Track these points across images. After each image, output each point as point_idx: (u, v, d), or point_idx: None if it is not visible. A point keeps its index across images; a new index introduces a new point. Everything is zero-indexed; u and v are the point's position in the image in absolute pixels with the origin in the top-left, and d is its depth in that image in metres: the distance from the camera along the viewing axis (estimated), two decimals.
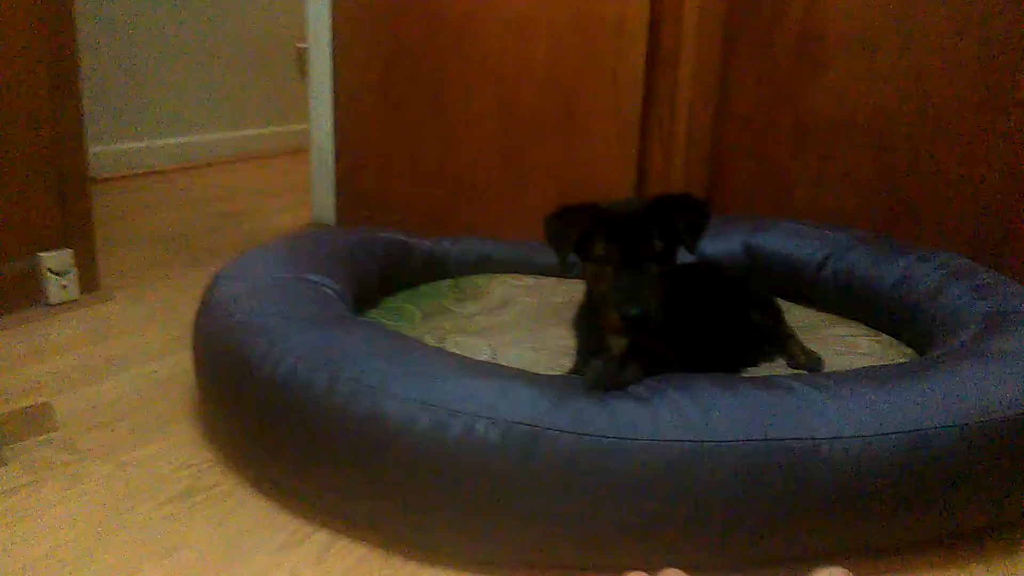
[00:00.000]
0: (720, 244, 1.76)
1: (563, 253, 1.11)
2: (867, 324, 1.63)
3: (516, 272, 1.90)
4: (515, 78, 2.14)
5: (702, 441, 0.93)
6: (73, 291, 1.81)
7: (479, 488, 0.94)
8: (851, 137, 1.92)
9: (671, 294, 1.11)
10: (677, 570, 0.52)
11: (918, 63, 1.83)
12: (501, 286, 1.83)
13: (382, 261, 1.67)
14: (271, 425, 1.07)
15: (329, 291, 1.32)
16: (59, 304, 1.78)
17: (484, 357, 1.42)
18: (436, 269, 1.84)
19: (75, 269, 1.81)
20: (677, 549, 0.96)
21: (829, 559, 0.97)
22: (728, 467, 0.93)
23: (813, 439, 0.94)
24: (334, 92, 2.45)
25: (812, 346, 1.47)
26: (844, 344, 1.54)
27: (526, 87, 2.13)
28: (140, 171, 3.22)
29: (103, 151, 2.98)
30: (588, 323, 1.23)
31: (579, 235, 1.10)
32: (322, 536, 1.03)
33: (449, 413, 0.95)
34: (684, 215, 1.11)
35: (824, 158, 1.96)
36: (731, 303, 1.44)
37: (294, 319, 1.15)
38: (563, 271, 1.07)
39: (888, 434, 0.96)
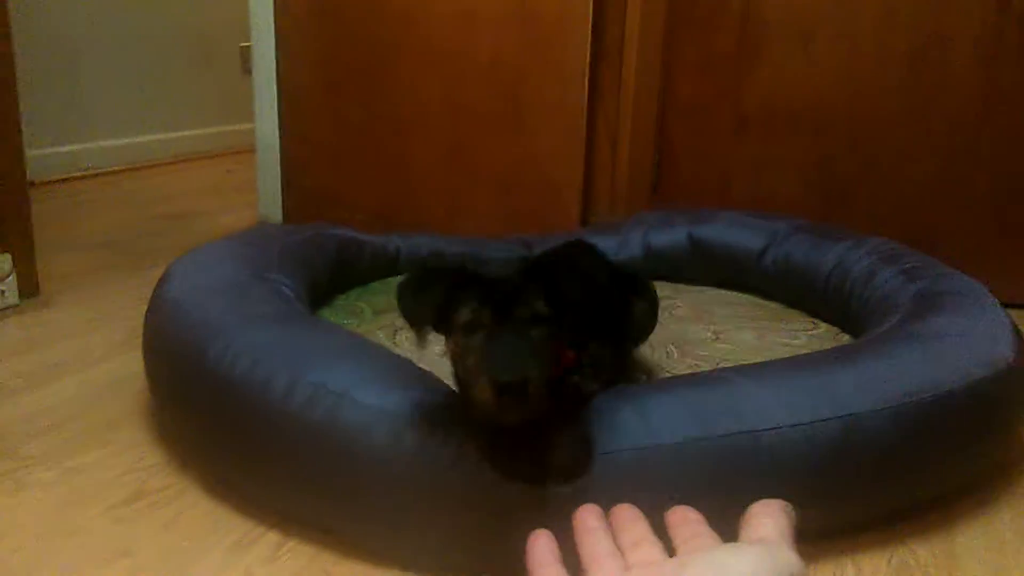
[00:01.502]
0: (665, 236, 1.79)
1: (420, 325, 0.89)
2: (807, 312, 1.68)
3: None
4: (460, 72, 2.15)
5: (645, 446, 0.94)
6: (12, 297, 1.77)
7: (434, 499, 0.94)
8: (789, 126, 1.97)
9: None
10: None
11: (852, 51, 1.88)
12: None
13: (334, 258, 1.66)
14: (225, 425, 1.06)
15: (285, 289, 1.31)
16: None
17: (436, 354, 1.43)
18: (387, 266, 1.84)
19: (14, 274, 1.77)
20: None
21: None
22: (674, 469, 0.94)
23: (753, 431, 0.97)
24: (279, 89, 2.43)
25: (750, 336, 1.50)
26: (783, 333, 1.58)
27: (471, 81, 2.14)
28: (80, 174, 3.14)
29: (41, 154, 2.90)
30: None
31: (441, 300, 0.88)
32: (274, 536, 1.03)
33: (407, 423, 0.95)
34: (566, 281, 0.90)
35: (763, 147, 2.01)
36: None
37: (250, 317, 1.14)
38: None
39: (825, 420, 0.99)
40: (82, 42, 3.14)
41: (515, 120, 2.12)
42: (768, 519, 0.47)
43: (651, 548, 0.50)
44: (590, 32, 2.00)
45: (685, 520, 0.51)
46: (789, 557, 0.44)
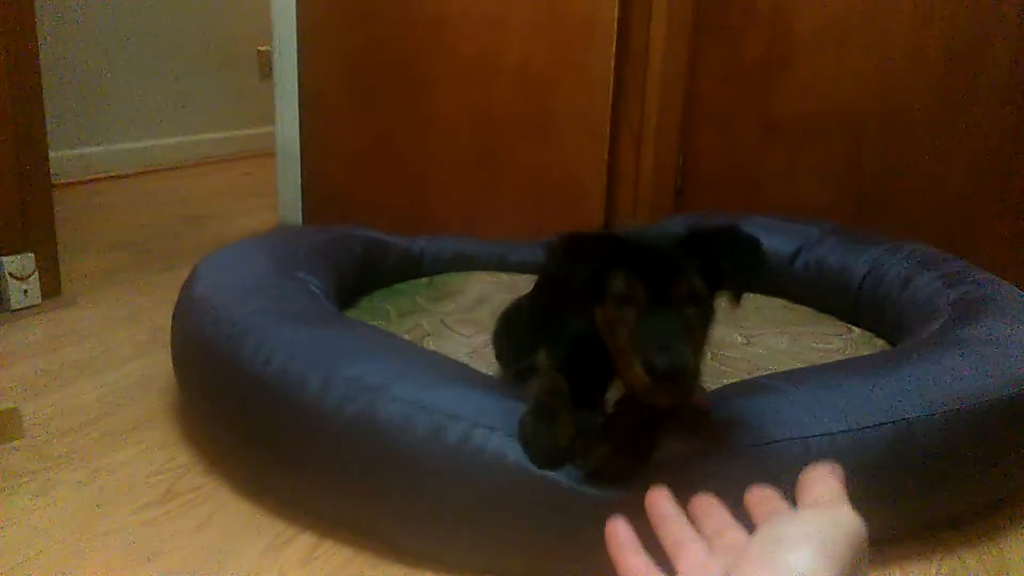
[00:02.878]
0: None
1: (577, 283, 0.87)
2: (839, 317, 1.65)
3: (491, 270, 1.90)
4: (487, 77, 2.13)
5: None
6: (35, 296, 1.76)
7: (474, 497, 0.92)
8: (820, 131, 1.95)
9: None
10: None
11: (885, 56, 1.86)
12: (477, 284, 1.82)
13: (360, 259, 1.65)
14: (258, 424, 1.05)
15: (314, 288, 1.30)
16: (21, 309, 1.73)
17: (463, 356, 1.41)
18: (411, 268, 1.82)
19: (37, 273, 1.76)
20: None
21: None
22: (728, 477, 0.91)
23: (803, 438, 0.95)
24: (300, 93, 2.42)
25: (782, 340, 1.48)
26: (817, 339, 1.55)
27: (498, 86, 2.13)
28: (100, 176, 3.14)
29: (63, 156, 2.90)
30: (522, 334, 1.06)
31: (596, 263, 0.86)
32: (309, 538, 1.01)
33: (447, 418, 0.93)
34: (730, 253, 0.86)
35: (793, 152, 1.99)
36: None
37: (281, 315, 1.13)
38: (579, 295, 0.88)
39: (875, 426, 0.97)
40: (105, 47, 3.14)
41: (541, 125, 2.11)
42: (821, 484, 0.45)
43: (736, 533, 0.48)
44: (615, 37, 1.98)
45: (762, 498, 0.49)
46: (850, 517, 0.43)
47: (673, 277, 0.82)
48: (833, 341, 1.54)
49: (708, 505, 0.51)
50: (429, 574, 0.96)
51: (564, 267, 0.89)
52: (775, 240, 1.74)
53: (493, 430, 0.92)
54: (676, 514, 0.50)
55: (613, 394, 0.95)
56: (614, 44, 1.98)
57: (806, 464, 0.90)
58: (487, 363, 1.35)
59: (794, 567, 0.38)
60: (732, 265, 0.85)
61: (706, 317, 0.85)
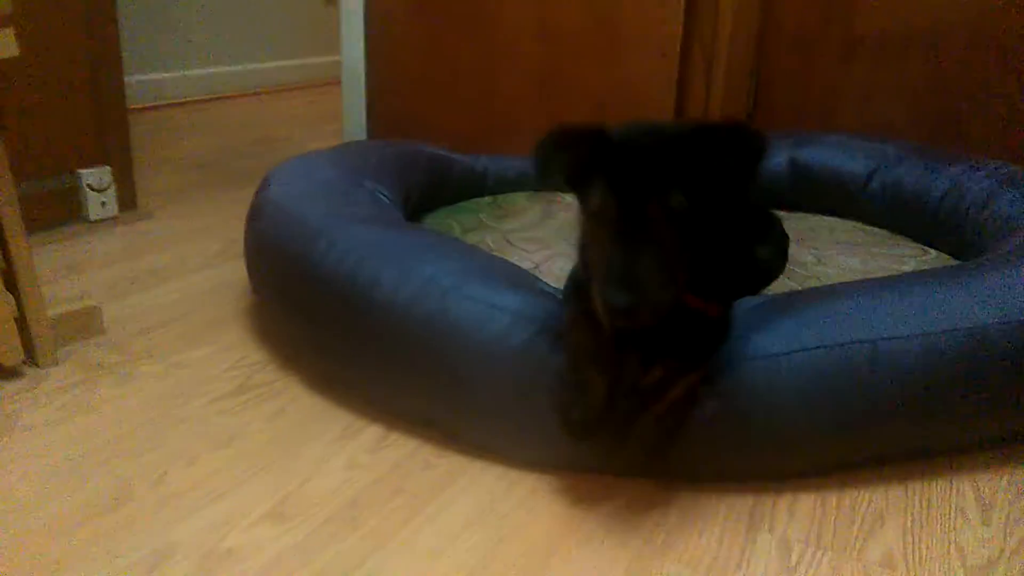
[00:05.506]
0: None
1: (545, 184, 0.87)
2: (915, 238, 1.60)
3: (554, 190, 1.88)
4: None
5: (770, 356, 0.91)
6: (112, 208, 1.82)
7: (538, 395, 0.93)
8: (902, 49, 1.86)
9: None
10: None
11: None
12: (540, 203, 1.81)
13: (426, 174, 1.65)
14: (331, 321, 1.07)
15: (383, 197, 1.31)
16: (99, 220, 1.79)
17: (528, 270, 1.41)
18: (475, 186, 1.82)
19: (113, 186, 1.81)
20: (745, 456, 0.95)
21: (890, 463, 0.97)
22: (791, 377, 0.91)
23: (872, 341, 0.93)
24: (365, 15, 2.41)
25: (854, 260, 1.44)
26: (890, 260, 1.51)
27: (564, 4, 2.08)
28: (170, 101, 3.20)
29: (136, 81, 2.95)
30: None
31: (572, 167, 0.83)
32: (377, 428, 1.04)
33: (517, 319, 0.94)
34: (729, 154, 0.79)
35: (872, 72, 1.90)
36: (742, 237, 1.20)
37: (353, 218, 1.15)
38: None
39: (947, 331, 0.94)
40: None
41: (609, 44, 2.06)
42: None
43: None
44: None
45: None
46: None
47: (651, 193, 0.77)
48: (908, 262, 1.49)
49: None
50: (493, 464, 0.98)
51: (540, 164, 0.85)
52: (850, 160, 1.68)
53: (558, 338, 0.92)
54: None
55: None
56: None
57: (875, 369, 0.90)
58: (549, 277, 1.35)
59: None
60: (733, 161, 0.79)
61: (687, 236, 0.78)
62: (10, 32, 1.10)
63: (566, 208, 1.78)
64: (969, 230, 1.43)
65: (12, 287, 1.15)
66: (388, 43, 2.41)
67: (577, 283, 0.96)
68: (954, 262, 1.48)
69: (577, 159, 0.82)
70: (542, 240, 1.59)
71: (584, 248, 0.89)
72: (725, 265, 0.99)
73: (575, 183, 0.84)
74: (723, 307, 0.93)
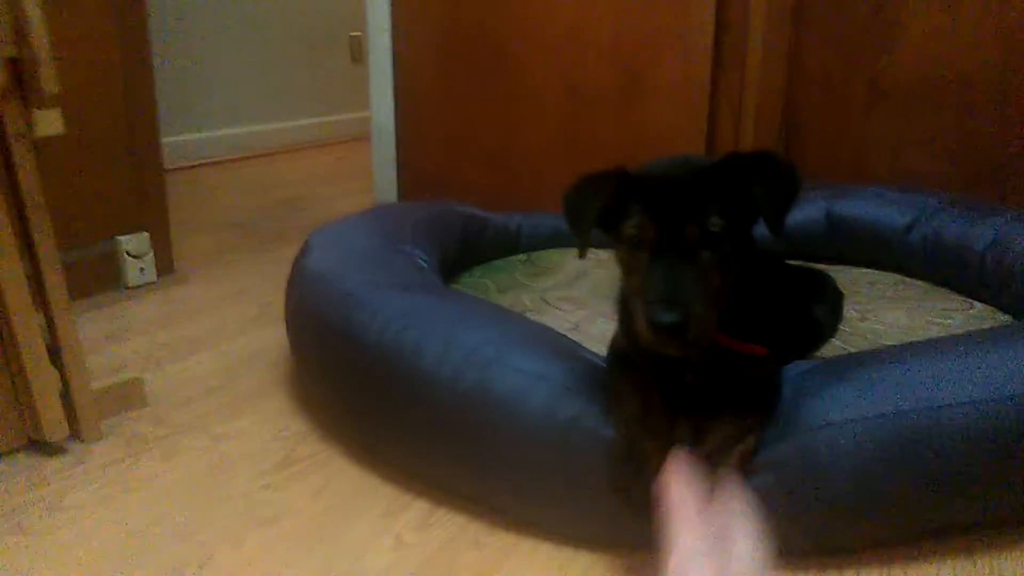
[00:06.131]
0: (800, 213, 1.71)
1: (582, 232, 0.85)
2: (958, 291, 1.57)
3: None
4: (578, 53, 2.11)
5: (827, 424, 0.89)
6: (150, 274, 1.83)
7: (586, 471, 0.91)
8: (931, 99, 1.85)
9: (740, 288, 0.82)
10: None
11: (1003, 17, 1.75)
12: (574, 260, 1.81)
13: (460, 235, 1.65)
14: (374, 392, 1.06)
15: (421, 262, 1.31)
16: (137, 287, 1.80)
17: (564, 332, 1.40)
18: (509, 244, 1.82)
19: (151, 252, 1.83)
20: (803, 530, 0.92)
21: (954, 534, 0.94)
22: (851, 447, 0.88)
23: (934, 408, 0.90)
24: (394, 75, 2.45)
25: (899, 315, 1.42)
26: (936, 314, 1.48)
27: (590, 61, 2.10)
28: (201, 161, 3.26)
29: (169, 142, 3.00)
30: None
31: (602, 207, 0.83)
32: (423, 504, 1.03)
33: (563, 390, 0.93)
34: (763, 181, 0.80)
35: (902, 122, 1.89)
36: (796, 295, 1.23)
37: (394, 286, 1.14)
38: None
39: (1012, 396, 0.91)
40: (204, 38, 3.24)
41: (634, 99, 2.07)
42: None
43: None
44: (714, 4, 1.93)
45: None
46: None
47: (688, 215, 0.77)
48: (954, 315, 1.46)
49: None
50: (544, 542, 0.95)
51: (572, 211, 0.87)
52: (889, 212, 1.67)
53: (606, 407, 0.91)
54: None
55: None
56: (713, 10, 1.92)
57: (938, 437, 0.87)
58: (588, 338, 1.34)
59: None
60: (765, 190, 0.80)
61: (726, 258, 0.79)
62: (57, 112, 1.12)
63: (600, 265, 1.77)
64: (1016, 283, 1.40)
65: (56, 361, 1.16)
66: (416, 100, 2.45)
67: (619, 352, 0.96)
68: (1000, 315, 1.46)
69: (607, 199, 0.83)
70: (578, 300, 1.58)
71: (623, 297, 0.90)
72: (781, 320, 1.01)
73: (608, 223, 0.84)
74: (774, 359, 0.92)
